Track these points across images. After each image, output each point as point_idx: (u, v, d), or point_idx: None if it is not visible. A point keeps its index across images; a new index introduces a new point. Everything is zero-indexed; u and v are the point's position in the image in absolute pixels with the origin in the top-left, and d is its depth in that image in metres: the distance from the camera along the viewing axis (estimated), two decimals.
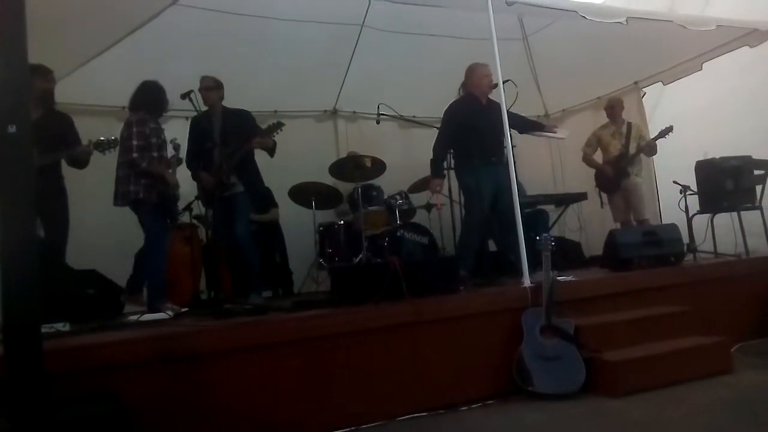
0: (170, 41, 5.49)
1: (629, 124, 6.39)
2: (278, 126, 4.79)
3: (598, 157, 6.52)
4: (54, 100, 4.50)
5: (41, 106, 4.38)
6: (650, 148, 6.18)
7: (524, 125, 5.50)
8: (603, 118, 6.80)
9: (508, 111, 4.54)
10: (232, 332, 3.34)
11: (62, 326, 3.60)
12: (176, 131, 5.88)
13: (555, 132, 5.82)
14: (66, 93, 4.88)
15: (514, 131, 4.97)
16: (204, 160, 4.86)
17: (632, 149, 6.21)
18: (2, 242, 2.34)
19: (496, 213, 5.01)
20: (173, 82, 5.08)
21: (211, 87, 4.86)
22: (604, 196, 6.45)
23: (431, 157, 5.21)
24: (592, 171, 6.64)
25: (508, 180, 4.57)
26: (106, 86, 5.45)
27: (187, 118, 5.39)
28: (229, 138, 4.83)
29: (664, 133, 5.88)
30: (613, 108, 6.45)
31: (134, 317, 4.17)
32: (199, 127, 4.92)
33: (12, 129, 2.34)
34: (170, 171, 4.48)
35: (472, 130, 4.97)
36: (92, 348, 3.03)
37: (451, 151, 5.24)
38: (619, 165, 6.21)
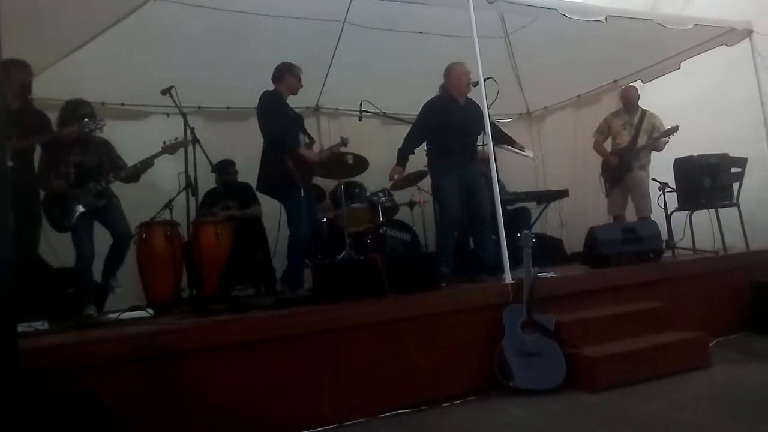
0: (150, 36, 5.44)
1: (642, 114, 6.27)
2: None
3: (608, 145, 6.44)
4: (31, 93, 4.48)
5: (20, 97, 4.39)
6: (656, 145, 6.12)
7: (497, 136, 5.38)
8: (583, 116, 6.84)
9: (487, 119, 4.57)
10: (213, 330, 3.31)
11: (41, 325, 3.56)
12: (156, 127, 5.87)
13: (523, 150, 5.66)
14: (44, 88, 4.83)
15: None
16: (293, 140, 4.86)
17: (641, 141, 6.13)
18: None
19: (473, 210, 5.04)
20: (153, 78, 5.05)
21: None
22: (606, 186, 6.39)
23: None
24: (574, 168, 6.71)
25: (482, 178, 4.60)
26: (85, 81, 5.38)
27: (168, 114, 5.34)
28: (304, 129, 5.07)
29: (668, 133, 5.88)
30: (629, 97, 6.34)
31: (114, 315, 4.13)
32: (282, 106, 4.91)
33: None
34: (58, 183, 4.44)
35: (446, 129, 5.01)
36: (71, 347, 3.00)
37: (425, 148, 5.27)
38: (623, 157, 6.16)
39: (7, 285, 2.32)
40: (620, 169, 6.17)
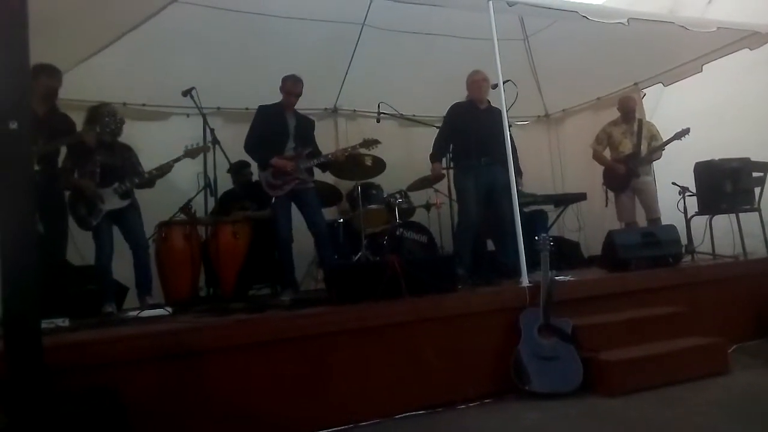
0: (171, 38, 5.50)
1: (640, 122, 6.28)
2: (375, 142, 5.42)
3: (606, 154, 6.43)
4: (57, 98, 4.53)
5: (46, 103, 4.44)
6: (654, 155, 6.13)
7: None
8: (602, 119, 6.80)
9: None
10: (231, 330, 3.34)
11: (62, 322, 3.61)
12: (176, 128, 5.95)
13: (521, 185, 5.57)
14: (66, 89, 4.87)
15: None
16: (274, 149, 5.03)
17: (644, 148, 6.12)
18: (3, 237, 2.36)
19: (491, 213, 5.06)
20: (174, 79, 5.12)
21: (300, 94, 5.17)
22: (611, 194, 6.35)
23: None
24: (592, 171, 6.64)
25: (502, 180, 4.61)
26: (107, 83, 5.47)
27: (188, 115, 5.42)
28: (302, 138, 5.16)
29: (679, 135, 5.80)
30: (627, 106, 6.34)
31: (134, 313, 4.18)
32: (271, 118, 5.11)
33: (13, 125, 2.35)
34: (86, 182, 4.51)
35: (464, 133, 5.11)
36: (92, 344, 3.05)
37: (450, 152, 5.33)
38: (630, 164, 6.12)
39: (32, 285, 2.38)
40: (628, 176, 6.13)
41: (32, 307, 2.39)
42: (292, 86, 5.13)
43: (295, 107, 5.27)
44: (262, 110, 5.19)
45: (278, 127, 5.10)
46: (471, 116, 5.17)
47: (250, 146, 5.11)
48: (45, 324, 3.32)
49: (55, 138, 4.39)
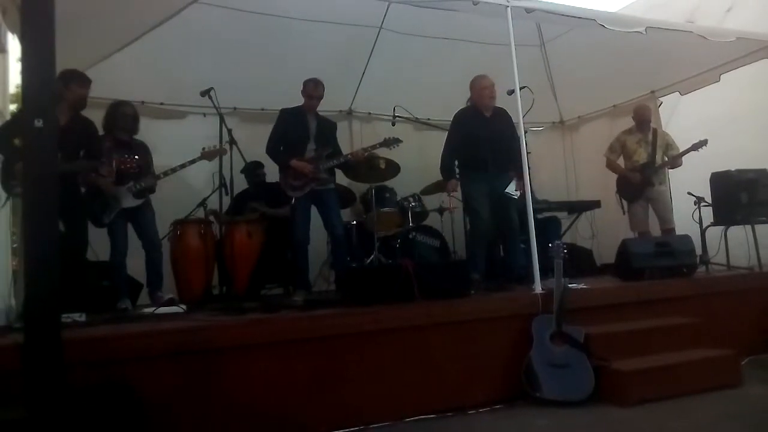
0: (189, 39, 5.56)
1: (654, 131, 6.26)
2: (396, 141, 5.42)
3: (620, 163, 6.41)
4: (84, 107, 4.48)
5: (71, 112, 4.38)
6: (675, 162, 6.09)
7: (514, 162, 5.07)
8: (618, 126, 6.77)
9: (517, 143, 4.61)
10: (245, 328, 3.37)
11: (79, 316, 3.65)
12: (193, 127, 6.00)
13: (516, 191, 5.17)
14: None
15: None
16: (294, 151, 5.08)
17: (658, 158, 6.11)
18: (26, 233, 2.40)
19: (499, 219, 5.04)
20: (192, 79, 5.16)
21: (321, 97, 5.20)
22: (625, 203, 6.32)
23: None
24: (606, 179, 6.61)
25: (504, 187, 4.63)
26: (127, 81, 5.52)
27: (204, 114, 5.47)
28: (323, 140, 5.20)
29: (697, 146, 5.77)
30: (643, 115, 6.31)
31: (149, 310, 4.22)
32: (292, 120, 5.17)
33: (39, 123, 2.39)
34: (102, 180, 4.49)
35: (471, 141, 5.05)
36: (108, 339, 3.09)
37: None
38: (644, 173, 6.10)
39: (52, 281, 2.41)
40: (642, 185, 6.10)
41: (52, 302, 2.43)
42: (313, 89, 5.15)
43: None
44: (284, 113, 5.22)
45: (299, 130, 5.14)
46: (476, 125, 5.09)
47: (271, 148, 5.15)
48: (63, 319, 3.37)
49: (75, 149, 4.35)
